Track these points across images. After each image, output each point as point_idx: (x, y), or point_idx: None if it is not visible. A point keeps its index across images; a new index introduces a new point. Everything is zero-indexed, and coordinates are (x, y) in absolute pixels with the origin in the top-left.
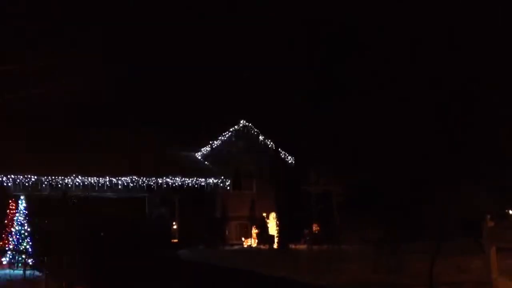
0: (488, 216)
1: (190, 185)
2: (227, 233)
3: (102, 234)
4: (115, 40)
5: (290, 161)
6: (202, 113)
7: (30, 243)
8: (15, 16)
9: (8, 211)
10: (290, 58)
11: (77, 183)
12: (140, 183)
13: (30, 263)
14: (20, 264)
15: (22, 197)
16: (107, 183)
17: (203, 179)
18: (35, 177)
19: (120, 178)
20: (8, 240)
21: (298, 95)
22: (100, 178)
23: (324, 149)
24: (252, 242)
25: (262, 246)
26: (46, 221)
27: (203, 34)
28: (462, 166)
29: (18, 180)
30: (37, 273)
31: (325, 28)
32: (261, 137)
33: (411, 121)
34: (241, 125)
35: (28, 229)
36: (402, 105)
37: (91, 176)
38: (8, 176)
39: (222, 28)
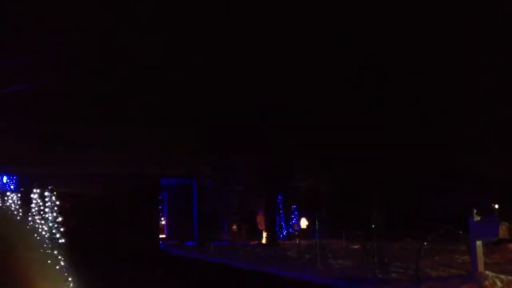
0: (475, 211)
1: (179, 180)
2: (216, 228)
3: (89, 230)
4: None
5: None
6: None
7: None
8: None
9: None
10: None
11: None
12: (127, 178)
13: None
14: None
15: None
16: (93, 178)
17: (192, 174)
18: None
19: (107, 173)
20: None
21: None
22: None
23: (313, 147)
24: (241, 237)
25: (251, 242)
26: None
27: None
28: (448, 162)
29: None
30: None
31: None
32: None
33: (397, 121)
34: None
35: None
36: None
37: (77, 171)
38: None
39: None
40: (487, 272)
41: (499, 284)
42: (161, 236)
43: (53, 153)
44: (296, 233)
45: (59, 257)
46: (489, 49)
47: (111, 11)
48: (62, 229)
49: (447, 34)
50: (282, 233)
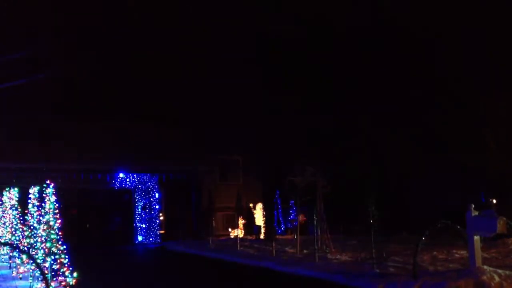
0: (472, 206)
1: (176, 175)
2: (213, 224)
3: (88, 226)
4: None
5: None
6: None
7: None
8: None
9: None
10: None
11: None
12: (125, 172)
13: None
14: None
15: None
16: (93, 174)
17: (190, 169)
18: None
19: (104, 169)
20: None
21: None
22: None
23: (311, 142)
24: (239, 232)
25: (249, 237)
26: None
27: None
28: (446, 158)
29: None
30: None
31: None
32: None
33: (395, 117)
34: None
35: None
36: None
37: (76, 167)
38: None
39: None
40: (485, 267)
41: (496, 278)
42: (159, 232)
43: (51, 148)
44: (294, 228)
45: (60, 254)
46: (484, 43)
47: (111, 11)
48: (60, 225)
49: (443, 30)
50: (280, 229)
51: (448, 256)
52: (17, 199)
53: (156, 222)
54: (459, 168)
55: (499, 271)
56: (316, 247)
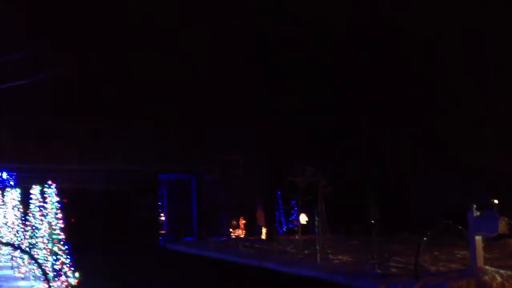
0: (474, 206)
1: (176, 175)
2: (215, 224)
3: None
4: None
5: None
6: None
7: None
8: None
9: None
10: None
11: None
12: (125, 172)
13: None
14: None
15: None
16: (93, 174)
17: (190, 169)
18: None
19: (106, 169)
20: None
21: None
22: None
23: (312, 142)
24: (240, 232)
25: (250, 237)
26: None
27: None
28: (446, 158)
29: None
30: None
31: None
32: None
33: (396, 117)
34: None
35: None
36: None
37: (77, 167)
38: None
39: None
40: (487, 267)
41: (498, 279)
42: (160, 231)
43: (51, 148)
44: (296, 228)
45: (61, 254)
46: (484, 43)
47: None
48: (62, 225)
49: (443, 30)
50: (282, 229)
51: (449, 256)
52: (19, 199)
53: (157, 222)
54: (459, 168)
55: (501, 271)
56: (317, 247)
